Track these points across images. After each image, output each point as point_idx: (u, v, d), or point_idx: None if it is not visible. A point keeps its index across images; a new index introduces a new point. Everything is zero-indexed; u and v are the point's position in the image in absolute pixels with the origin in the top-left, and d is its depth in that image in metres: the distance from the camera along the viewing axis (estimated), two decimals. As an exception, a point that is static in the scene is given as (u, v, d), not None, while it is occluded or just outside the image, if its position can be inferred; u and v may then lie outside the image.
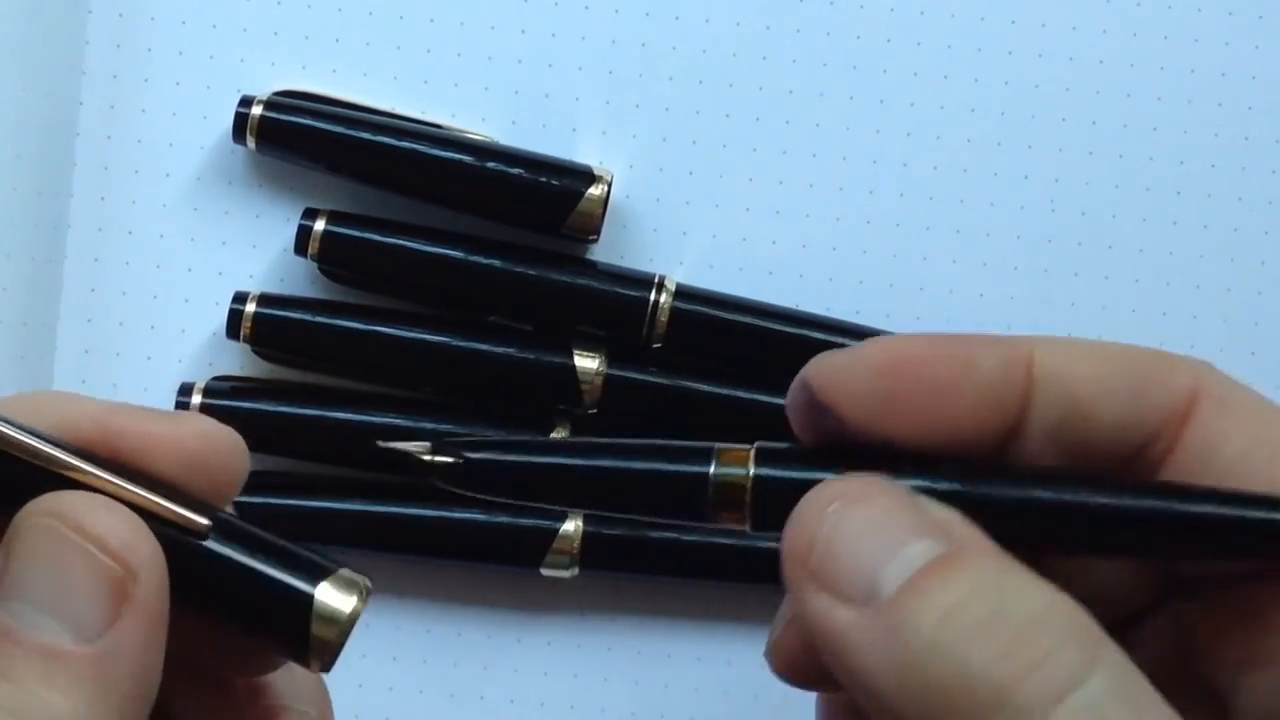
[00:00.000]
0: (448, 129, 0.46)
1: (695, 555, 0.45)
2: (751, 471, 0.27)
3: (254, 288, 0.45)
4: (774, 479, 0.27)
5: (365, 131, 0.45)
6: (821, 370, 0.28)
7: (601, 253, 0.46)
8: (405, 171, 0.45)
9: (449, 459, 0.28)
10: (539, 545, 0.44)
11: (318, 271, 0.45)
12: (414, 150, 0.45)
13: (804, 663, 0.28)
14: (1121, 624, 0.27)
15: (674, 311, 0.44)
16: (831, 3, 0.46)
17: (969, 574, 0.25)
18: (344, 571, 0.26)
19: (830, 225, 0.46)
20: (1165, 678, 0.25)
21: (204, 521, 0.26)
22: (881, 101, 0.46)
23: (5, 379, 0.44)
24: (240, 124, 0.45)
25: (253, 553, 0.26)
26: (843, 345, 0.44)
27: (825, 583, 0.26)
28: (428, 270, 0.45)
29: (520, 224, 0.45)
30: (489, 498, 0.29)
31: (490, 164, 0.45)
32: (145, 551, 0.25)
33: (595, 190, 0.44)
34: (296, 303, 0.45)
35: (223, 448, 0.28)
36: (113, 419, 0.27)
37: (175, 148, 0.46)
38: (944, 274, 0.46)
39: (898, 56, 0.46)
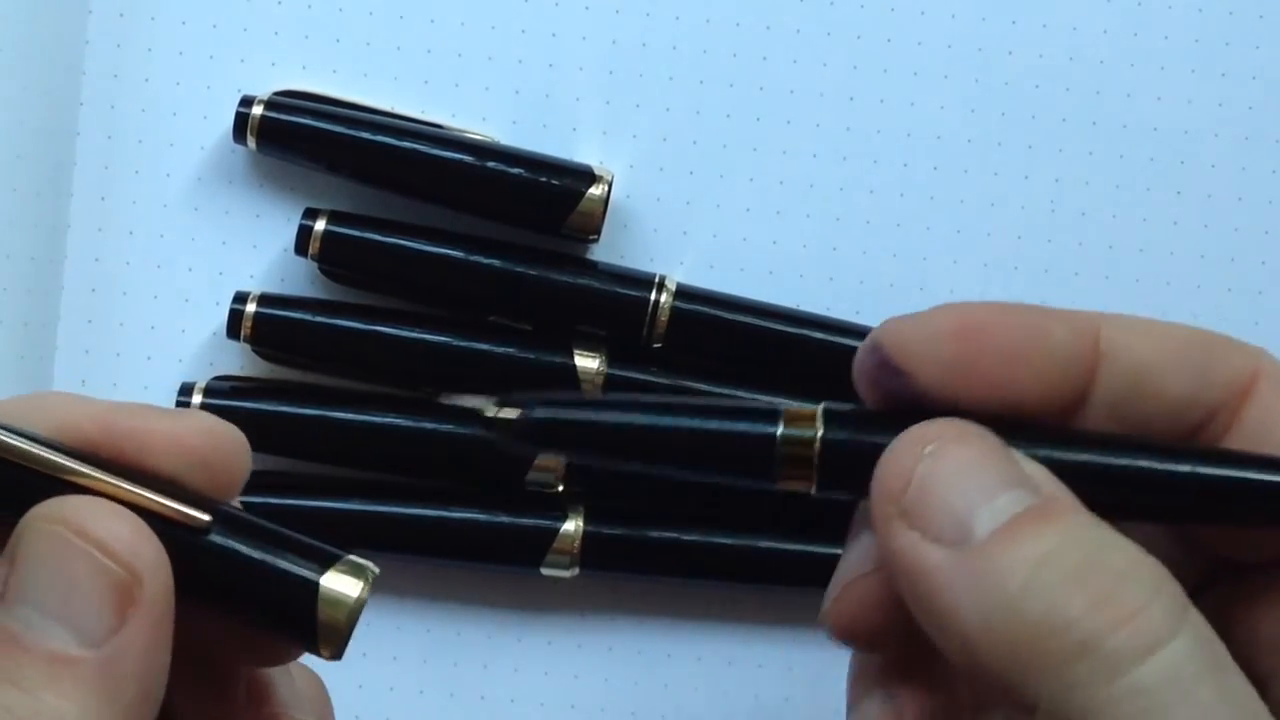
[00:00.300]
0: (448, 129, 0.46)
1: (695, 555, 0.45)
2: (819, 433, 0.28)
3: (254, 288, 0.45)
4: (842, 440, 0.28)
5: (365, 131, 0.45)
6: (895, 333, 0.28)
7: (602, 253, 0.46)
8: (405, 171, 0.45)
9: (513, 415, 0.28)
10: (539, 545, 0.44)
11: (318, 271, 0.45)
12: (414, 150, 0.45)
13: (864, 625, 0.29)
14: None
15: (674, 311, 0.45)
16: (831, 3, 0.46)
17: (1061, 525, 0.26)
18: (350, 557, 0.27)
19: (830, 225, 0.46)
20: None
21: (205, 517, 0.26)
22: (882, 101, 0.46)
23: (5, 379, 0.44)
24: (240, 124, 0.45)
25: (257, 544, 0.26)
26: (842, 345, 0.44)
27: (916, 521, 0.26)
28: (428, 270, 0.45)
29: (520, 224, 0.45)
30: (553, 454, 0.29)
31: (490, 164, 0.45)
32: (149, 555, 0.25)
33: (596, 190, 0.44)
34: (297, 303, 0.45)
35: (225, 444, 0.28)
36: (115, 418, 0.27)
37: (176, 148, 0.46)
38: (944, 274, 0.46)
39: (898, 56, 0.46)
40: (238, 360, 0.46)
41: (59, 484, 0.26)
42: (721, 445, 0.28)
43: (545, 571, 0.44)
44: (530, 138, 0.46)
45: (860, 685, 0.30)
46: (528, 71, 0.46)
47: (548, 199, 0.44)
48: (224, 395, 0.44)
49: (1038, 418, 0.28)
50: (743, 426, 0.28)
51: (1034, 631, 0.25)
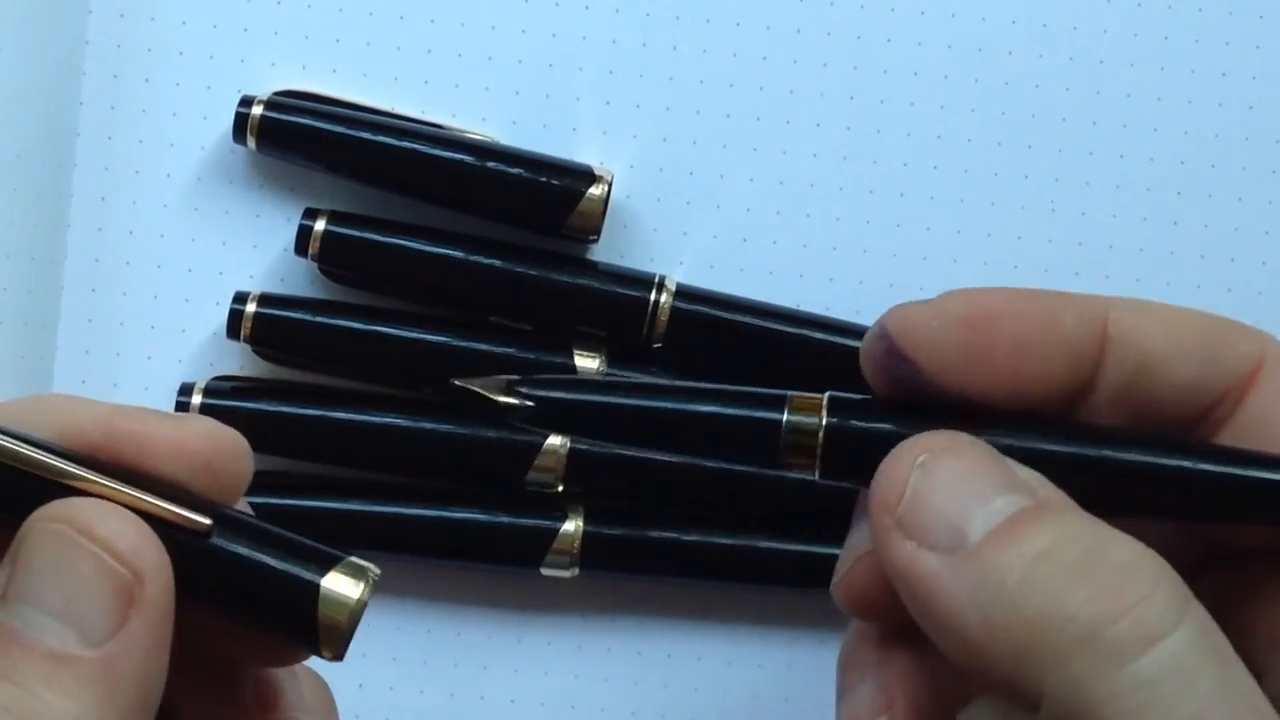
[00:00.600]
0: (448, 129, 0.46)
1: (695, 555, 0.45)
2: (824, 420, 0.28)
3: (254, 288, 0.45)
4: (845, 428, 0.28)
5: (365, 131, 0.45)
6: (903, 320, 0.28)
7: (602, 253, 0.46)
8: (405, 171, 0.45)
9: (520, 400, 0.29)
10: (539, 545, 0.44)
11: (318, 271, 0.45)
12: (414, 150, 0.45)
13: (870, 598, 0.29)
14: None
15: (674, 311, 0.45)
16: (831, 3, 0.46)
17: (1058, 523, 0.26)
18: (351, 559, 0.27)
19: (830, 225, 0.46)
20: None
21: (206, 521, 0.26)
22: (882, 101, 0.46)
23: (5, 379, 0.44)
24: (240, 124, 0.45)
25: (258, 547, 0.26)
26: (843, 345, 0.44)
27: (912, 530, 0.26)
28: (428, 270, 0.45)
29: (520, 224, 0.45)
30: (562, 434, 0.30)
31: (490, 164, 0.45)
32: (152, 556, 0.25)
33: (596, 190, 0.44)
34: (297, 303, 0.45)
35: (227, 449, 0.28)
36: (117, 421, 0.27)
37: (176, 148, 0.46)
38: (945, 274, 0.46)
39: (898, 56, 0.46)
40: (238, 360, 0.46)
41: (60, 488, 0.26)
42: (728, 429, 0.29)
43: (545, 571, 0.44)
44: (530, 138, 0.46)
45: (851, 672, 0.30)
46: (528, 71, 0.46)
47: (548, 199, 0.44)
48: (224, 395, 0.44)
49: (1042, 405, 0.28)
50: (749, 412, 0.28)
51: (1035, 625, 0.25)
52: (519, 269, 0.45)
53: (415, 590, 0.46)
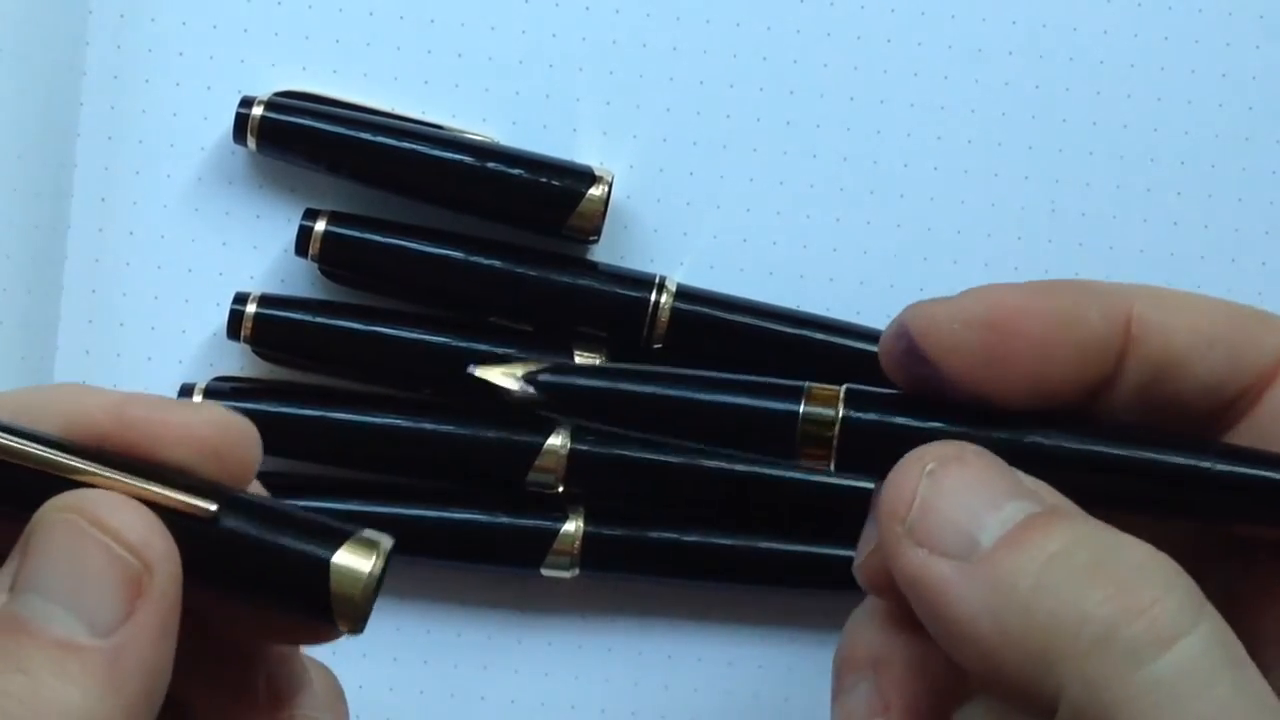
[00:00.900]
0: (448, 129, 0.46)
1: (695, 556, 0.45)
2: (840, 412, 0.28)
3: (255, 288, 0.45)
4: (861, 421, 0.28)
5: (365, 132, 0.45)
6: (922, 319, 0.28)
7: (602, 253, 0.46)
8: (405, 172, 0.45)
9: (535, 389, 0.29)
10: (539, 545, 0.44)
11: (318, 272, 0.45)
12: (414, 151, 0.45)
13: (886, 579, 0.29)
14: None
15: (674, 312, 0.44)
16: (832, 3, 0.46)
17: (1069, 527, 0.26)
18: (363, 533, 0.27)
19: (830, 226, 0.46)
20: None
21: (211, 507, 0.26)
22: (882, 102, 0.46)
23: (5, 379, 0.44)
24: (241, 124, 0.45)
25: (268, 527, 0.27)
26: (843, 346, 0.44)
27: (922, 538, 0.26)
28: (428, 270, 0.45)
29: (521, 224, 0.45)
30: (577, 421, 0.30)
31: (490, 164, 0.45)
32: (160, 546, 0.26)
33: (596, 191, 0.44)
34: (297, 303, 0.45)
35: (235, 435, 0.28)
36: (127, 409, 0.27)
37: (176, 148, 0.46)
38: (945, 274, 0.46)
39: (898, 57, 0.46)
40: (238, 361, 0.46)
41: (64, 483, 0.26)
42: (744, 419, 0.29)
43: (545, 572, 0.44)
44: (530, 138, 0.46)
45: (846, 673, 0.30)
46: (528, 72, 0.46)
47: (548, 199, 0.44)
48: (224, 396, 0.44)
49: (1062, 401, 0.28)
50: (766, 403, 0.28)
51: (1049, 628, 0.25)
52: (519, 269, 0.45)
53: (415, 591, 0.46)
